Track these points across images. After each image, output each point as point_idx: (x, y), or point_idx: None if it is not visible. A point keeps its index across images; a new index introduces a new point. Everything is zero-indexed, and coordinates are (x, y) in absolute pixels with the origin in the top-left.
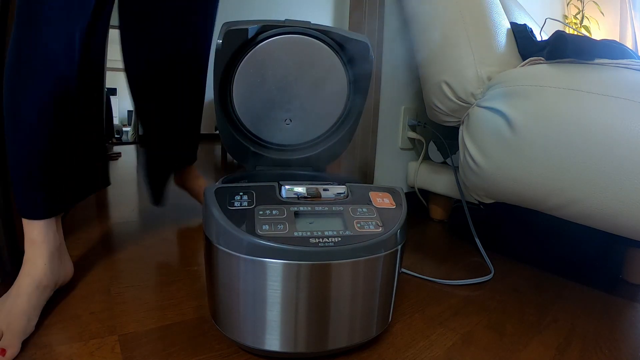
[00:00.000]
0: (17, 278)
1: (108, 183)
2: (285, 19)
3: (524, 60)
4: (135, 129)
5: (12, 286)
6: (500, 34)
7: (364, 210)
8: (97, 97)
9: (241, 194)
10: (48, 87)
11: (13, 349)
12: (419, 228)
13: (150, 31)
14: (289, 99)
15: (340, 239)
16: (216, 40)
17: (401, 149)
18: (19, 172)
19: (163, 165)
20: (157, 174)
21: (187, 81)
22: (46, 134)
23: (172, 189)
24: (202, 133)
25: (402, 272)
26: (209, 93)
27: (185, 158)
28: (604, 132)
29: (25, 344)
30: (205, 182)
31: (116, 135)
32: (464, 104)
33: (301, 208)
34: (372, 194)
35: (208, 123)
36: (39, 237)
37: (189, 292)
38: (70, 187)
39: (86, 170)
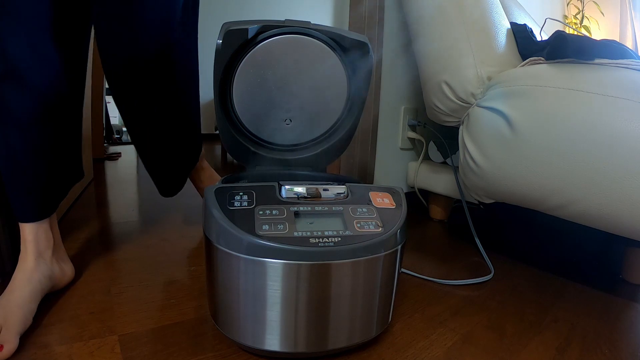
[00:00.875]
0: (13, 276)
1: (82, 175)
2: (285, 19)
3: (524, 60)
4: None
5: (9, 284)
6: (500, 34)
7: (364, 210)
8: (79, 100)
9: (241, 194)
10: (26, 103)
11: (11, 344)
12: (419, 228)
13: (126, 30)
14: (289, 99)
15: (340, 239)
16: (216, 41)
17: (401, 149)
18: (6, 179)
19: (159, 164)
20: (156, 171)
21: (170, 79)
22: (26, 149)
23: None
24: (202, 133)
25: (402, 272)
26: (209, 93)
27: (184, 158)
28: (604, 132)
29: (25, 343)
30: (213, 174)
31: (116, 135)
32: (464, 104)
33: (301, 208)
34: (372, 194)
35: (208, 123)
36: (29, 236)
37: (189, 292)
38: (55, 191)
39: (69, 169)
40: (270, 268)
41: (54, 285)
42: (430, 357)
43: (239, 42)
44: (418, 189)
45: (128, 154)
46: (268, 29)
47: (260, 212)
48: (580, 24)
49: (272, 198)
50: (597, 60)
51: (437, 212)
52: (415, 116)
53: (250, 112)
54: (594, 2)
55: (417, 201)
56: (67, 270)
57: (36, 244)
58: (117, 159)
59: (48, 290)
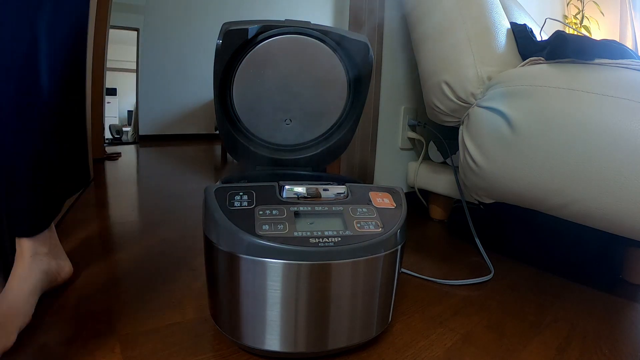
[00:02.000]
0: (10, 274)
1: (89, 181)
2: (285, 19)
3: (524, 60)
4: (135, 129)
5: (7, 282)
6: (500, 34)
7: (364, 210)
8: (75, 103)
9: (241, 194)
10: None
11: (9, 339)
12: (419, 228)
13: None
14: (289, 99)
15: (340, 239)
16: (216, 41)
17: (401, 149)
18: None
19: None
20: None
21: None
22: (20, 155)
23: (174, 186)
24: (202, 133)
25: (402, 272)
26: (209, 93)
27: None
28: (604, 132)
29: (25, 343)
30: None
31: (116, 135)
32: (464, 104)
33: (301, 208)
34: (372, 194)
35: (208, 123)
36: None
37: (189, 292)
38: (54, 200)
39: (67, 178)
40: (270, 268)
41: (51, 282)
42: (430, 357)
43: (239, 42)
44: (418, 189)
45: (128, 154)
46: (268, 29)
47: (260, 212)
48: (580, 24)
49: (272, 198)
50: (597, 60)
51: (437, 212)
52: (415, 116)
53: (250, 112)
54: (594, 2)
55: (417, 201)
56: (65, 266)
57: (32, 242)
58: (117, 159)
59: (47, 287)
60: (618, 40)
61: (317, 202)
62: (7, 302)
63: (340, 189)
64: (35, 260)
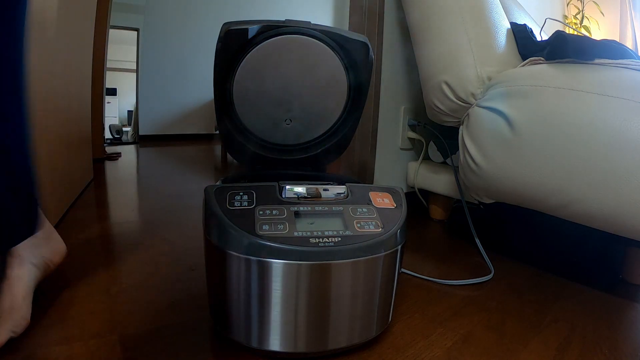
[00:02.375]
0: (5, 275)
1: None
2: (286, 19)
3: (524, 60)
4: (135, 129)
5: (2, 284)
6: (500, 34)
7: (364, 210)
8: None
9: (241, 194)
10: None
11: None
12: (419, 228)
13: None
14: (289, 99)
15: (340, 239)
16: (216, 41)
17: (401, 149)
18: None
19: None
20: None
21: None
22: None
23: (174, 186)
24: (202, 133)
25: (402, 272)
26: (209, 93)
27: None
28: (604, 132)
29: (24, 343)
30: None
31: (116, 135)
32: (464, 104)
33: (301, 208)
34: (372, 194)
35: (208, 123)
36: None
37: (189, 292)
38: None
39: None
40: (270, 268)
41: (46, 270)
42: (430, 357)
43: (239, 42)
44: (418, 189)
45: (128, 154)
46: (268, 29)
47: (261, 212)
48: (580, 24)
49: (272, 198)
50: (597, 60)
51: (437, 212)
52: (415, 116)
53: (250, 112)
54: (594, 2)
55: (417, 201)
56: (58, 249)
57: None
58: (117, 159)
59: (41, 277)
60: (618, 40)
61: (317, 202)
62: (4, 306)
63: (340, 189)
64: (26, 257)
